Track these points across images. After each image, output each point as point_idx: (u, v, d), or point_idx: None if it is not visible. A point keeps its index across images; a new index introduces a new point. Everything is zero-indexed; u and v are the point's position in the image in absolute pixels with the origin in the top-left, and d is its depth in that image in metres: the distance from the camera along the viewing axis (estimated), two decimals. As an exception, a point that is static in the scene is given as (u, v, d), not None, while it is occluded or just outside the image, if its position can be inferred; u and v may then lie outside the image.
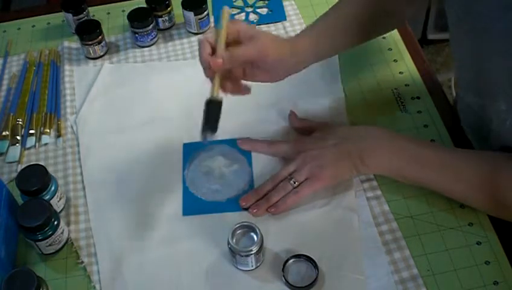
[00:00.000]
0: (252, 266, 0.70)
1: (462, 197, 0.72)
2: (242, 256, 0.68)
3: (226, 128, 0.85)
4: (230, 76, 0.75)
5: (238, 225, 0.69)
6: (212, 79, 0.72)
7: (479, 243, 0.71)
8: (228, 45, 0.72)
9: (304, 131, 0.82)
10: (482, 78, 0.70)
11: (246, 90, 0.78)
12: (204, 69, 0.73)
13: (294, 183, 0.74)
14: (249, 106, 0.87)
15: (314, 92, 0.89)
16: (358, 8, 0.81)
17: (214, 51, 0.71)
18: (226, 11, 0.73)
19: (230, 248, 0.68)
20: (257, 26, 1.01)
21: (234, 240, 0.68)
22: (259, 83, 0.89)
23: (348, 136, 0.75)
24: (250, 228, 0.70)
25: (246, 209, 0.76)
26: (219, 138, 0.84)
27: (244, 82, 0.77)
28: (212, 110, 0.72)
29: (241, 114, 0.86)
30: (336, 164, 0.73)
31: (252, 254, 0.68)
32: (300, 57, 0.78)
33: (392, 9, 0.83)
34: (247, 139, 0.83)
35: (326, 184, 0.75)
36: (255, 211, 0.75)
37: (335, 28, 0.81)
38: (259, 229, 0.69)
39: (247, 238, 0.70)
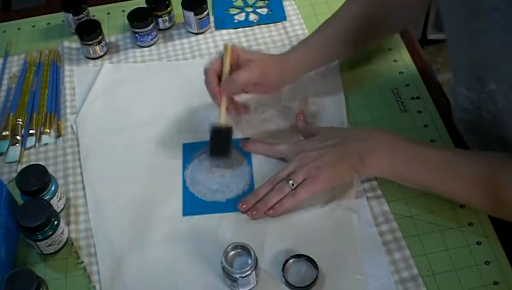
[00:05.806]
0: (254, 283, 0.69)
1: (462, 198, 0.71)
2: (243, 277, 0.66)
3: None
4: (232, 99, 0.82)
5: (229, 247, 0.68)
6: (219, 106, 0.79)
7: (479, 243, 0.71)
8: (232, 71, 0.78)
9: (308, 134, 0.81)
10: (473, 60, 0.69)
11: (246, 111, 0.85)
12: (213, 97, 0.79)
13: (292, 185, 0.73)
14: (250, 106, 0.87)
15: (314, 92, 0.89)
16: (352, 19, 0.84)
17: (220, 79, 0.79)
18: (228, 48, 0.79)
19: (226, 272, 0.66)
20: (257, 26, 1.01)
21: (231, 265, 0.67)
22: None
23: (347, 138, 0.75)
24: (241, 248, 0.68)
25: (245, 212, 0.75)
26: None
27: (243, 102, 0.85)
28: (223, 137, 0.77)
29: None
30: (335, 165, 0.72)
31: (251, 273, 0.66)
32: (295, 71, 0.83)
33: (386, 14, 0.85)
34: (248, 141, 0.83)
35: (324, 186, 0.73)
36: (254, 213, 0.74)
37: (327, 42, 0.85)
38: (250, 246, 0.68)
39: (242, 258, 0.68)
